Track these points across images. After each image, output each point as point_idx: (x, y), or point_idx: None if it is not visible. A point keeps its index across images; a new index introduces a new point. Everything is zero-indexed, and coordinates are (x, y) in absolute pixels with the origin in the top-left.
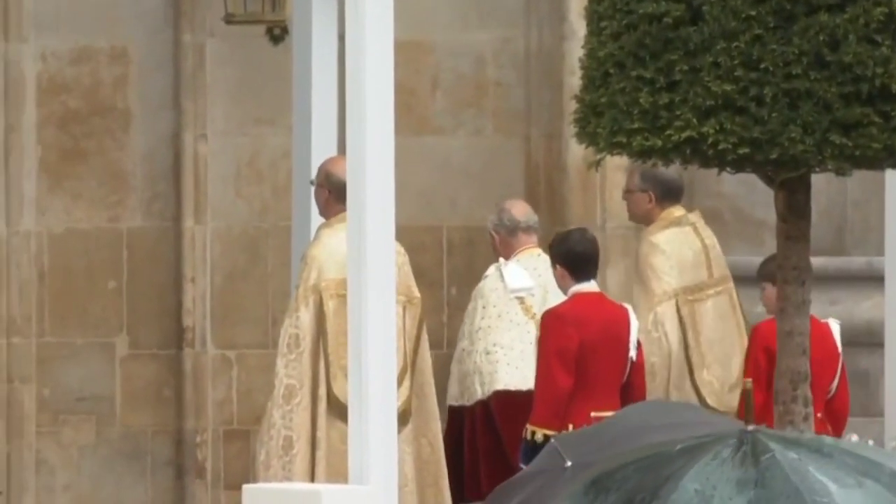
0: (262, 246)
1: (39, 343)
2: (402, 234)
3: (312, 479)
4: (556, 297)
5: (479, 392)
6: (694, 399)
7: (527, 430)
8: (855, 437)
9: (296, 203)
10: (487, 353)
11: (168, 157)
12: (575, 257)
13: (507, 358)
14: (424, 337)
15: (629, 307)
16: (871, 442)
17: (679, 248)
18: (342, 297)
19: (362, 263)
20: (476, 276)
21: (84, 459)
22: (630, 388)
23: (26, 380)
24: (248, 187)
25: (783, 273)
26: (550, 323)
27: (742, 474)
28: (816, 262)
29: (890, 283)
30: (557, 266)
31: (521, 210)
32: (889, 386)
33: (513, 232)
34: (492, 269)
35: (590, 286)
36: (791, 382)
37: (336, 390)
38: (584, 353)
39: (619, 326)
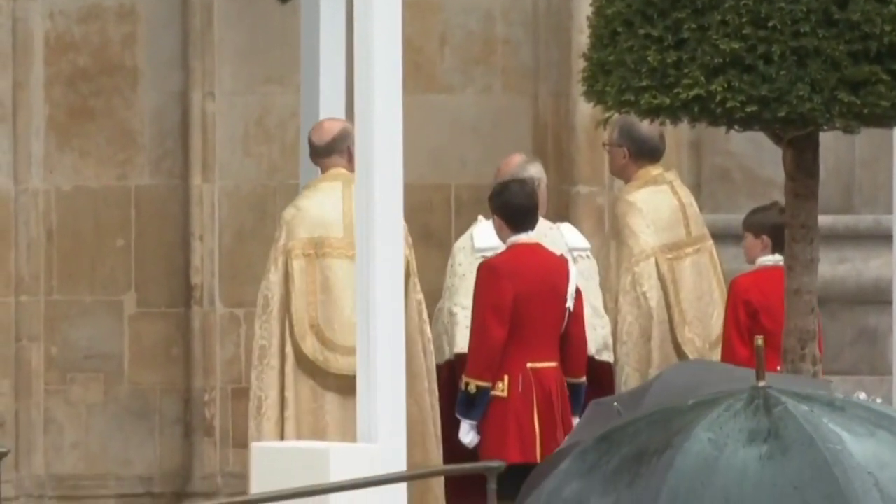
0: (270, 205)
1: (47, 301)
2: (411, 193)
3: (281, 438)
4: None
5: (447, 353)
6: (674, 357)
7: (462, 380)
8: (863, 395)
9: (303, 162)
10: (451, 314)
11: (176, 115)
12: (512, 209)
13: (466, 321)
14: (410, 294)
15: (568, 258)
16: (879, 400)
17: (656, 206)
18: (309, 257)
19: (371, 221)
20: None
21: (92, 418)
22: (568, 338)
23: (34, 338)
24: (256, 146)
25: (791, 231)
26: (485, 275)
27: (755, 425)
28: (825, 220)
29: None
30: (495, 217)
31: (509, 168)
32: None
33: None
34: (472, 227)
35: (527, 237)
36: (800, 341)
37: (306, 349)
38: (520, 304)
39: (556, 277)
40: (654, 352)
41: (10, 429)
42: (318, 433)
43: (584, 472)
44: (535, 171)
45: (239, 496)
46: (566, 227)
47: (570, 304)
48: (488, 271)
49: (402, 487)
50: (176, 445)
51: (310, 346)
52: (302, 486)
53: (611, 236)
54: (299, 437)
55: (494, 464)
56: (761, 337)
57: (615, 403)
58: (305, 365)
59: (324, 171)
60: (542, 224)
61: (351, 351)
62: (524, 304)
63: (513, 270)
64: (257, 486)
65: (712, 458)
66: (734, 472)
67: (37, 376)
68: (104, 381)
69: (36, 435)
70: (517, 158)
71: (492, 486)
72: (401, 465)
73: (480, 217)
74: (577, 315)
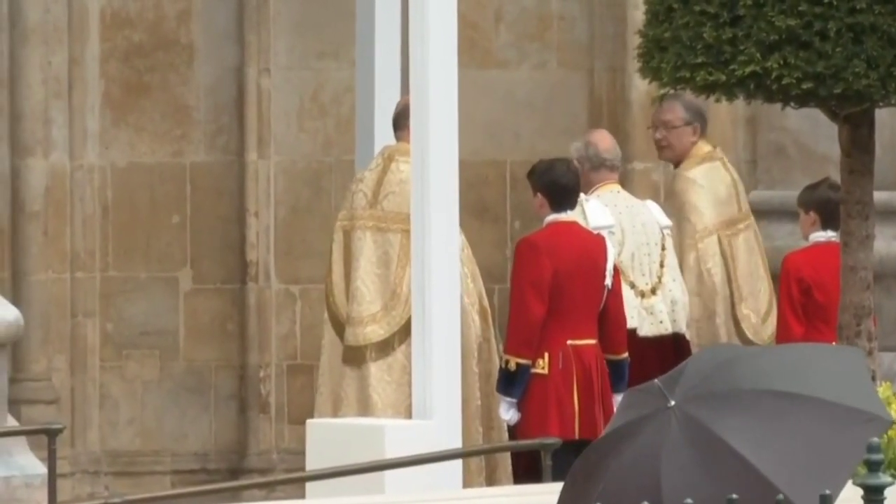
0: (326, 180)
1: (103, 277)
2: (466, 168)
3: (329, 405)
4: (633, 237)
5: None
6: (734, 333)
7: (502, 358)
8: None
9: (359, 137)
10: None
11: (231, 90)
12: (558, 188)
13: None
14: None
15: (605, 236)
16: None
17: (713, 183)
18: (345, 228)
19: (426, 196)
20: None
21: (148, 394)
22: (607, 314)
23: (90, 314)
24: (311, 121)
25: (847, 207)
26: (524, 252)
27: None
28: (880, 196)
29: None
30: (538, 195)
31: (607, 145)
32: None
33: (597, 168)
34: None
35: (566, 215)
36: (855, 317)
37: (341, 318)
38: (559, 281)
39: (595, 255)
40: (721, 329)
41: (66, 405)
42: (337, 403)
43: None
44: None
45: (294, 472)
46: (652, 205)
47: (608, 281)
48: (527, 248)
49: (458, 464)
50: (231, 422)
51: (344, 315)
52: (357, 462)
53: (670, 214)
54: (335, 406)
55: (550, 441)
56: None
57: (656, 381)
58: (342, 334)
59: None
60: (632, 200)
61: (356, 322)
62: (563, 281)
63: (552, 248)
64: (313, 463)
65: None
66: None
67: (92, 352)
68: (159, 358)
69: (91, 411)
70: (611, 139)
71: (547, 462)
72: (456, 442)
73: (582, 195)
74: (616, 292)
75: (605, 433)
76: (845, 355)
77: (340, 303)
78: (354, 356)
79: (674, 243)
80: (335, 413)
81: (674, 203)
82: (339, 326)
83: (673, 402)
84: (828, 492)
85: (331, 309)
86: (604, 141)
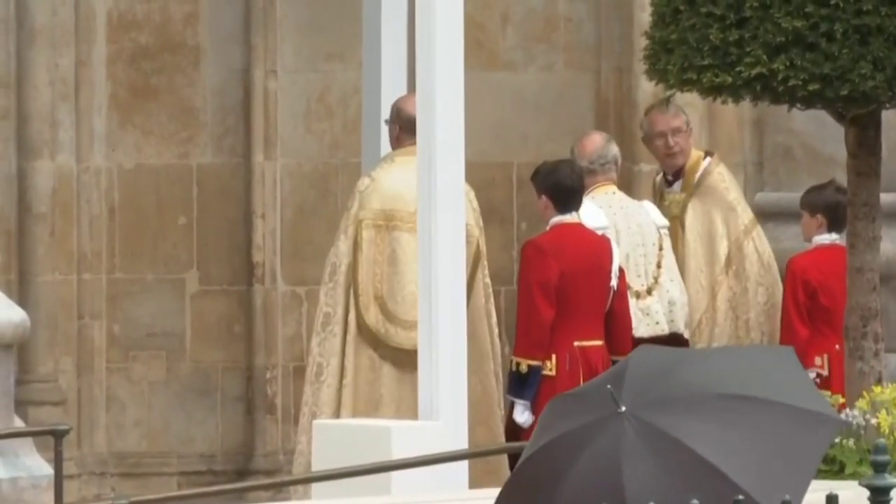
0: (332, 182)
1: (110, 279)
2: (473, 170)
3: (338, 407)
4: (628, 237)
5: None
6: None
7: (512, 361)
8: None
9: (365, 139)
10: None
11: (238, 92)
12: (563, 190)
13: None
14: (479, 277)
15: (610, 237)
16: None
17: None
18: (379, 228)
19: (432, 198)
20: None
21: (154, 395)
22: (613, 316)
23: (97, 316)
24: (317, 123)
25: (853, 209)
26: (531, 254)
27: None
28: (887, 198)
29: None
30: (543, 197)
31: (591, 148)
32: None
33: (587, 172)
34: None
35: (571, 217)
36: (861, 319)
37: (368, 320)
38: (565, 283)
39: (600, 256)
40: (777, 318)
41: (73, 407)
42: (373, 405)
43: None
44: (616, 150)
45: (301, 473)
46: (649, 206)
47: (614, 282)
48: (534, 250)
49: (464, 465)
50: (238, 423)
51: (372, 317)
52: (363, 463)
53: (712, 208)
54: (355, 407)
55: None
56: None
57: (609, 387)
58: (367, 335)
59: (407, 146)
60: (627, 201)
61: (410, 325)
62: (569, 282)
63: (557, 249)
64: (319, 464)
65: None
66: None
67: (99, 354)
68: (166, 359)
69: (98, 413)
70: (598, 138)
71: None
72: (462, 443)
73: None
74: (622, 293)
75: (546, 442)
76: (784, 356)
77: (367, 301)
78: (403, 359)
79: (719, 236)
80: (362, 411)
81: (712, 197)
82: (364, 326)
83: (624, 408)
84: (787, 497)
85: (358, 311)
86: (589, 144)
